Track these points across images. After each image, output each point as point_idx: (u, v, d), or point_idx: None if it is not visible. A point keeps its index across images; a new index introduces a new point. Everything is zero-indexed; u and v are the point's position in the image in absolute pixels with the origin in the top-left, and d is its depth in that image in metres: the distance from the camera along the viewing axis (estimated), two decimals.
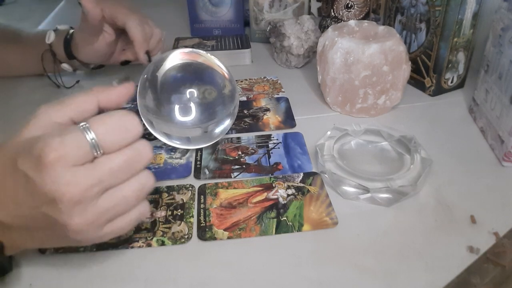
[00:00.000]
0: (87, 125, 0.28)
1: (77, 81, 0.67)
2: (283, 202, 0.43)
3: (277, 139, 0.53)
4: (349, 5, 0.75)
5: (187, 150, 0.51)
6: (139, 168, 0.31)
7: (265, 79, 0.68)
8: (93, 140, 0.28)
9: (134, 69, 0.72)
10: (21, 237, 0.32)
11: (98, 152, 0.29)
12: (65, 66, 0.64)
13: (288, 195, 0.44)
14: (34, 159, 0.27)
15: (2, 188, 0.30)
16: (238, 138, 0.54)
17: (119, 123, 0.29)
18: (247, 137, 0.54)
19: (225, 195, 0.44)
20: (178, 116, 0.45)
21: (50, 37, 0.61)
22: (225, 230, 0.40)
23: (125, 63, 0.63)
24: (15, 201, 0.29)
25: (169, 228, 0.41)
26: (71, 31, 0.62)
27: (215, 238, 0.39)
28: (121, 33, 0.60)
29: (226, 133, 0.52)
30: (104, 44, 0.59)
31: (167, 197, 0.45)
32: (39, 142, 0.28)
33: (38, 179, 0.27)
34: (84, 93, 0.33)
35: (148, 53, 0.59)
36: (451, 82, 0.62)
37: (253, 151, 0.51)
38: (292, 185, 0.45)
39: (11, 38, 0.66)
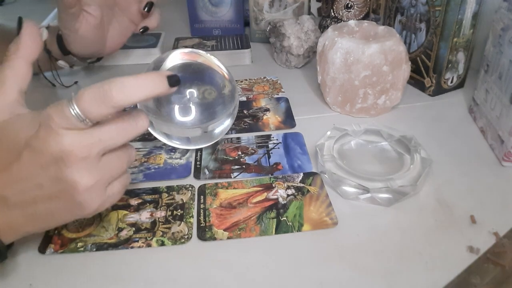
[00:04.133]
0: (71, 98, 0.30)
1: (75, 82, 0.66)
2: (283, 202, 0.43)
3: (277, 139, 0.53)
4: (349, 5, 0.75)
5: (187, 150, 0.51)
6: (135, 134, 0.34)
7: (265, 79, 0.68)
8: (74, 111, 0.30)
9: (134, 69, 0.72)
10: (23, 216, 0.33)
11: (86, 121, 0.30)
12: (61, 63, 0.62)
13: (288, 195, 0.44)
14: (34, 126, 0.31)
15: (5, 166, 0.32)
16: (238, 138, 0.54)
17: (96, 92, 0.30)
18: (247, 137, 0.54)
19: (225, 195, 0.44)
20: (178, 116, 0.45)
21: (43, 35, 0.60)
22: (225, 230, 0.40)
23: (145, 30, 0.60)
24: (18, 176, 0.31)
25: (169, 228, 0.41)
26: None
27: (215, 238, 0.39)
28: (111, 17, 0.58)
29: (226, 133, 0.52)
30: (90, 29, 0.56)
31: (167, 197, 0.45)
32: (40, 114, 0.31)
33: (43, 143, 0.30)
34: (7, 62, 0.35)
35: (151, 3, 0.57)
36: (451, 82, 0.62)
37: (253, 151, 0.51)
38: (292, 185, 0.45)
39: (6, 37, 0.65)
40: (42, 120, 0.30)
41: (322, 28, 0.78)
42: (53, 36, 0.60)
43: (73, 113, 0.30)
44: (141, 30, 0.59)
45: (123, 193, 0.36)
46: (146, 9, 0.57)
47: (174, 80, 0.33)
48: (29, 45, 0.35)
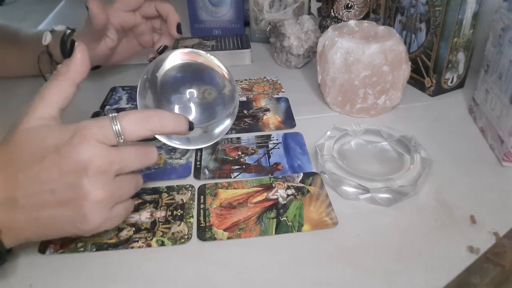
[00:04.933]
0: (115, 115, 0.34)
1: None
2: (283, 202, 0.43)
3: (277, 139, 0.53)
4: (349, 5, 0.75)
5: (187, 150, 0.51)
6: (147, 163, 0.36)
7: (265, 79, 0.68)
8: (117, 127, 0.33)
9: (134, 69, 0.72)
10: (26, 220, 0.33)
11: (121, 138, 0.34)
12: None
13: (288, 195, 0.44)
14: (69, 134, 0.33)
15: (25, 167, 0.33)
16: (238, 138, 0.54)
17: (141, 115, 0.35)
18: (247, 137, 0.54)
19: (225, 195, 0.44)
20: None
21: (47, 38, 0.61)
22: (225, 230, 0.40)
23: (164, 49, 0.63)
24: (35, 178, 0.32)
25: (169, 228, 0.41)
26: (68, 31, 0.61)
27: (215, 238, 0.39)
28: (122, 37, 0.61)
29: (226, 133, 0.52)
30: (105, 49, 0.59)
31: (167, 197, 0.45)
32: (75, 125, 0.33)
33: (73, 149, 0.32)
34: (55, 81, 0.37)
35: (179, 25, 0.59)
36: (451, 82, 0.62)
37: (253, 151, 0.51)
38: (292, 185, 0.45)
39: (9, 38, 0.65)
40: (78, 129, 0.33)
41: (322, 28, 0.78)
42: (57, 40, 0.61)
43: (114, 128, 0.33)
44: (159, 50, 0.62)
45: (124, 217, 0.37)
46: (159, 50, 0.61)
47: (191, 125, 0.39)
48: (78, 69, 0.37)
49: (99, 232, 0.36)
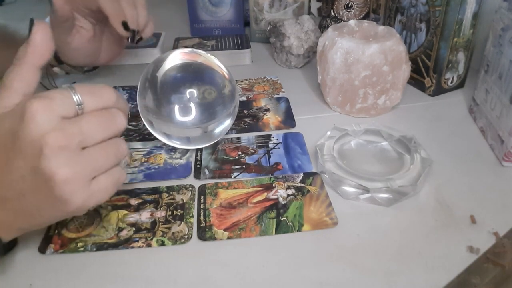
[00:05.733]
0: (71, 85, 0.32)
1: (74, 83, 0.66)
2: (283, 202, 0.43)
3: (277, 139, 0.53)
4: (349, 5, 0.75)
5: (187, 150, 0.51)
6: (114, 130, 0.33)
7: (265, 79, 0.68)
8: (76, 95, 0.31)
9: (134, 69, 0.72)
10: (13, 211, 0.32)
11: (80, 107, 0.31)
12: (57, 69, 0.61)
13: (288, 195, 0.44)
14: (19, 113, 0.30)
15: None
16: (238, 138, 0.54)
17: (98, 88, 0.33)
18: (247, 137, 0.54)
19: (225, 195, 0.44)
20: (178, 116, 0.45)
21: None
22: (225, 230, 0.40)
23: (139, 40, 0.58)
24: (5, 168, 0.31)
25: (169, 228, 0.41)
26: None
27: (215, 238, 0.39)
28: (104, 28, 0.58)
29: (226, 133, 0.52)
30: (84, 42, 0.56)
31: (167, 197, 0.45)
32: (27, 98, 0.30)
33: (24, 129, 0.29)
34: (14, 66, 0.34)
35: (125, 23, 0.53)
36: (451, 82, 0.62)
37: (253, 151, 0.51)
38: (292, 185, 0.45)
39: (8, 40, 0.65)
40: (29, 102, 0.29)
41: (322, 28, 0.78)
42: None
43: (74, 98, 0.31)
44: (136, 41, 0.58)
45: (114, 188, 0.34)
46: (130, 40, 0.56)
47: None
48: (37, 51, 0.34)
49: (99, 231, 0.35)
